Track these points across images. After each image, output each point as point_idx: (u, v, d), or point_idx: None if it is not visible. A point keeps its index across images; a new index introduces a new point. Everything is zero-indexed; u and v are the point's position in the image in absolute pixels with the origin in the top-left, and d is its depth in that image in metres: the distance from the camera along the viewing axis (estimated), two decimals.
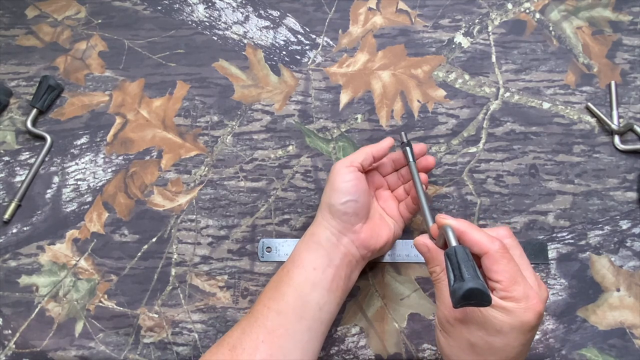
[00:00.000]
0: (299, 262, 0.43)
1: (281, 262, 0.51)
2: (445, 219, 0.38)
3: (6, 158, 0.55)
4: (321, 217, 0.45)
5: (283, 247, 0.52)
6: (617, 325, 0.49)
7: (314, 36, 0.58)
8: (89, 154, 0.55)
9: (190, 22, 0.59)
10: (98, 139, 0.55)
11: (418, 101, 0.55)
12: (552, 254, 0.50)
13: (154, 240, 0.52)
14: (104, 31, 0.59)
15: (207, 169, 0.54)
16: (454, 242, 0.35)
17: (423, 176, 0.47)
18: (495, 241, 0.36)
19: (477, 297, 0.32)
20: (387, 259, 0.51)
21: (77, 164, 0.55)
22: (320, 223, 0.44)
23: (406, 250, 0.51)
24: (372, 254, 0.45)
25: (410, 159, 0.46)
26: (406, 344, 0.49)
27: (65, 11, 0.60)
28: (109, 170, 0.55)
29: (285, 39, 0.58)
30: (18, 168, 0.55)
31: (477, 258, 0.36)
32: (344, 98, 0.56)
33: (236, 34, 0.58)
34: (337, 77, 0.56)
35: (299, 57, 0.57)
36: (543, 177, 0.52)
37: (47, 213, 0.54)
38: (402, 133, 0.47)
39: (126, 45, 0.58)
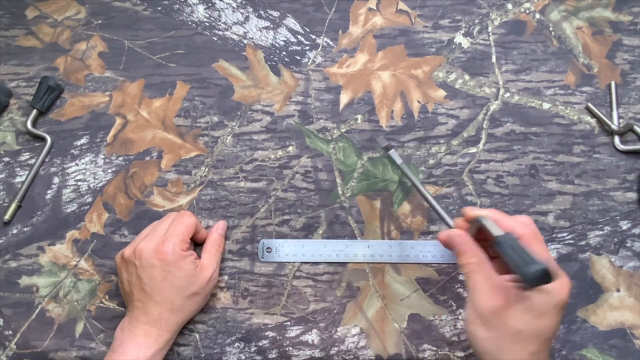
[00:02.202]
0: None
1: (281, 263, 0.52)
2: (474, 210, 0.40)
3: (6, 159, 0.55)
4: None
5: (283, 248, 0.52)
6: (617, 325, 0.49)
7: (314, 36, 0.58)
8: (89, 154, 0.55)
9: (190, 23, 0.59)
10: (98, 140, 0.55)
11: (418, 102, 0.55)
12: (552, 254, 0.50)
13: None
14: (103, 32, 0.59)
15: (207, 169, 0.54)
16: (499, 231, 0.37)
17: None
18: (527, 226, 0.39)
19: (547, 277, 0.34)
20: (387, 259, 0.51)
21: (77, 164, 0.55)
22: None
23: (406, 251, 0.51)
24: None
25: (399, 161, 0.45)
26: (406, 345, 0.49)
27: (65, 12, 0.59)
28: (109, 170, 0.55)
29: (285, 39, 0.58)
30: (18, 169, 0.55)
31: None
32: (344, 98, 0.56)
33: (236, 34, 0.58)
34: (337, 77, 0.56)
35: (299, 58, 0.57)
36: (543, 178, 0.52)
37: (47, 214, 0.54)
38: (379, 139, 0.46)
39: (126, 45, 0.58)
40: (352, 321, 0.50)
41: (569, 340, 0.48)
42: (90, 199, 0.54)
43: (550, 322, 0.36)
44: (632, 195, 0.52)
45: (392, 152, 0.46)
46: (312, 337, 0.50)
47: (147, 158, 0.55)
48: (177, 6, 0.59)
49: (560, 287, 0.36)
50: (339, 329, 0.50)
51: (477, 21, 0.57)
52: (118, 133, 0.56)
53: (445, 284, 0.51)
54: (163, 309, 0.45)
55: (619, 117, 0.53)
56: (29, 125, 0.55)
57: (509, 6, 0.57)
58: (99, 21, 0.59)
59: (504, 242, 0.36)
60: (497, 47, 0.56)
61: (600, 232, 0.51)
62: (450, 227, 0.43)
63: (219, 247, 0.50)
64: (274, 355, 0.49)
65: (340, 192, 0.53)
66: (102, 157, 0.55)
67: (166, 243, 0.46)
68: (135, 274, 0.46)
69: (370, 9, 0.58)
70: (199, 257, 0.49)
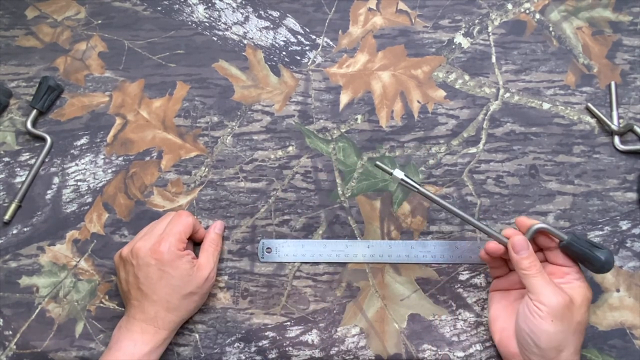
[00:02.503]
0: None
1: (281, 263, 0.52)
2: (529, 220, 0.44)
3: (6, 159, 0.55)
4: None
5: (283, 248, 0.52)
6: (617, 325, 0.49)
7: (313, 37, 0.58)
8: (89, 154, 0.55)
9: (190, 23, 0.59)
10: (98, 140, 0.55)
11: (418, 102, 0.55)
12: None
13: None
14: (103, 32, 0.59)
15: (207, 169, 0.54)
16: (564, 235, 0.43)
17: None
18: (570, 262, 0.44)
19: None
20: (387, 259, 0.51)
21: (77, 164, 0.55)
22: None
23: (406, 251, 0.51)
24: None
25: (417, 186, 0.45)
26: (406, 345, 0.49)
27: (65, 12, 0.59)
28: (109, 171, 0.55)
29: (285, 39, 0.58)
30: (18, 169, 0.55)
31: (541, 250, 0.45)
32: (344, 99, 0.56)
33: (236, 34, 0.58)
34: (337, 77, 0.56)
35: (298, 58, 0.57)
36: (543, 178, 0.52)
37: (47, 214, 0.54)
38: (396, 171, 0.46)
39: (126, 45, 0.58)
40: (352, 321, 0.50)
41: None
42: (90, 199, 0.54)
43: (589, 314, 0.43)
44: (632, 195, 0.52)
45: (407, 179, 0.45)
46: (312, 337, 0.50)
47: (147, 158, 0.55)
48: (177, 6, 0.59)
49: (587, 284, 0.44)
50: (339, 329, 0.50)
51: (477, 21, 0.57)
52: (118, 133, 0.56)
53: (445, 284, 0.51)
54: (159, 308, 0.45)
55: (619, 117, 0.53)
56: (29, 125, 0.55)
57: (509, 6, 0.57)
58: (99, 21, 0.59)
59: (575, 241, 0.42)
60: (497, 47, 0.56)
61: (600, 232, 0.51)
62: (500, 239, 0.45)
63: (217, 246, 0.50)
64: (274, 356, 0.49)
65: (340, 192, 0.53)
66: (102, 157, 0.55)
67: (162, 242, 0.46)
68: (132, 273, 0.46)
69: (370, 9, 0.58)
70: (197, 256, 0.49)
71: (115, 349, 0.44)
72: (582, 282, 0.43)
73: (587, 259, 0.42)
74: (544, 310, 0.41)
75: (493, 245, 0.45)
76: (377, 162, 0.47)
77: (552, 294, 0.41)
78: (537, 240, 0.45)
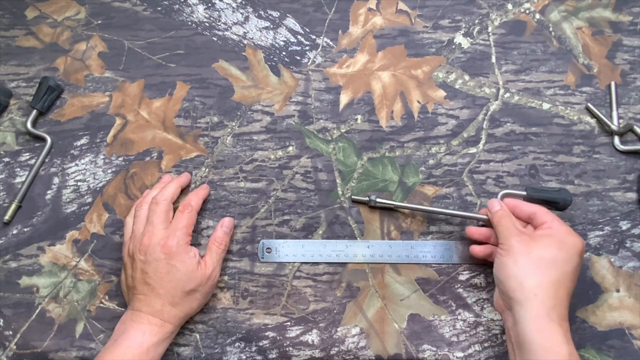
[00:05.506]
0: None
1: (281, 263, 0.52)
2: (495, 200, 0.48)
3: (6, 159, 0.55)
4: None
5: (283, 248, 0.52)
6: (616, 325, 0.49)
7: (313, 37, 0.57)
8: (89, 154, 0.55)
9: (190, 23, 0.59)
10: (98, 140, 0.55)
11: (418, 102, 0.55)
12: None
13: None
14: (103, 32, 0.59)
15: (207, 170, 0.54)
16: (522, 192, 0.49)
17: None
18: (535, 206, 0.46)
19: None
20: (387, 259, 0.51)
21: (77, 165, 0.55)
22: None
23: (406, 251, 0.51)
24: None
25: (391, 203, 0.51)
26: (406, 345, 0.49)
27: (65, 12, 0.59)
28: (109, 171, 0.55)
29: (285, 39, 0.58)
30: (18, 169, 0.55)
31: (526, 220, 0.47)
32: (344, 99, 0.56)
33: (236, 34, 0.58)
34: (337, 77, 0.56)
35: (298, 58, 0.57)
36: (543, 178, 0.52)
37: (47, 214, 0.54)
38: (369, 196, 0.52)
39: (126, 46, 0.58)
40: (352, 321, 0.50)
41: None
42: (90, 199, 0.54)
43: (567, 256, 0.42)
44: (631, 195, 0.52)
45: (377, 199, 0.51)
46: (312, 337, 0.50)
47: (147, 158, 0.55)
48: (177, 6, 0.59)
49: (579, 239, 0.44)
50: (339, 329, 0.50)
51: (477, 21, 0.57)
52: (118, 133, 0.56)
53: (445, 284, 0.51)
54: (165, 301, 0.46)
55: (619, 118, 0.53)
56: (28, 125, 0.55)
57: (509, 6, 0.57)
58: (99, 21, 0.59)
59: (534, 191, 0.48)
60: (497, 48, 0.56)
61: (600, 233, 0.51)
62: (479, 218, 0.49)
63: (220, 245, 0.50)
64: (274, 356, 0.50)
65: (340, 192, 0.53)
66: (102, 157, 0.55)
67: (171, 237, 0.47)
68: (139, 269, 0.46)
69: (370, 9, 0.58)
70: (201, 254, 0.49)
71: (123, 338, 0.45)
72: (554, 225, 0.44)
73: (549, 202, 0.48)
74: (503, 247, 0.44)
75: (473, 229, 0.49)
76: (353, 196, 0.52)
77: (511, 233, 0.44)
78: (508, 204, 0.47)
